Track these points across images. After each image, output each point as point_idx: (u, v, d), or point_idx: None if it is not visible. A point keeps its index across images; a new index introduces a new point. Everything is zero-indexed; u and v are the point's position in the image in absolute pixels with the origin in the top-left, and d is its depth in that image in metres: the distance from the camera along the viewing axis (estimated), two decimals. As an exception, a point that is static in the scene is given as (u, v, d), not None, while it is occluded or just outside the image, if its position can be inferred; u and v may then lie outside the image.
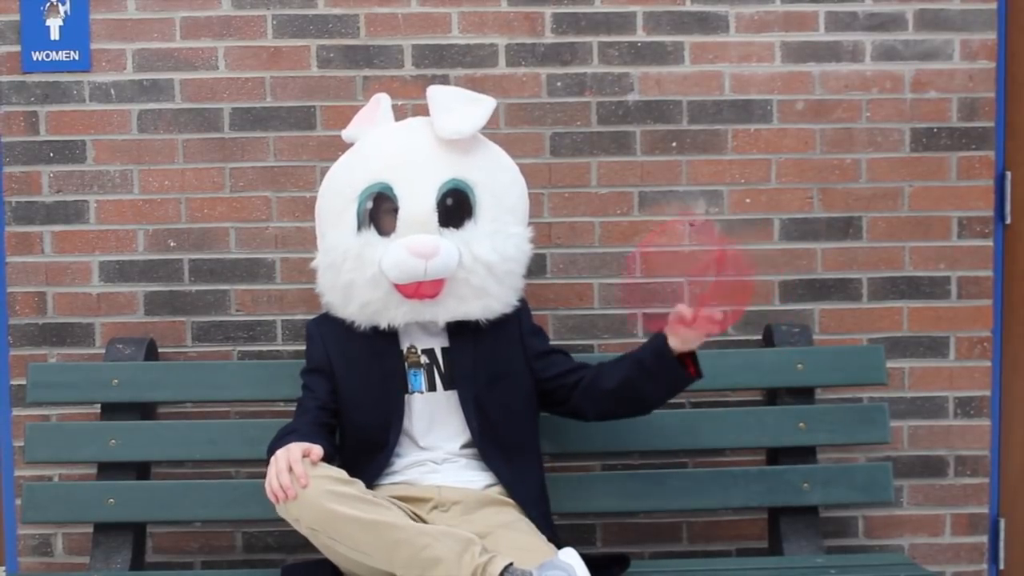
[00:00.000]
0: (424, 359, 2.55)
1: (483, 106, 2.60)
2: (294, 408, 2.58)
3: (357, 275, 2.50)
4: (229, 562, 3.14)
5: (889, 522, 3.20)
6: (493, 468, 2.50)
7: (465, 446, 2.53)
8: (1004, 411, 3.27)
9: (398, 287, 2.48)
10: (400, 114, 2.87)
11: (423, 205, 2.49)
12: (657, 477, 2.91)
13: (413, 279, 2.45)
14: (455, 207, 2.51)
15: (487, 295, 2.52)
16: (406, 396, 2.53)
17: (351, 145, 2.75)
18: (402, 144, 2.60)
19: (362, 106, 2.84)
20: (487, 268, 2.50)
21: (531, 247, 2.64)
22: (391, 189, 2.51)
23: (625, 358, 2.54)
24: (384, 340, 2.55)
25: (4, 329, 3.13)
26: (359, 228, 2.52)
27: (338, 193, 2.60)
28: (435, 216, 2.49)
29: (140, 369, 2.97)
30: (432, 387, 2.55)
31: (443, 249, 2.45)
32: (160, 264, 3.12)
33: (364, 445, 2.52)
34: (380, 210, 2.51)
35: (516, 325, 2.59)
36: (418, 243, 2.44)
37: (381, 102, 2.73)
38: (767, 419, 2.95)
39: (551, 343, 2.75)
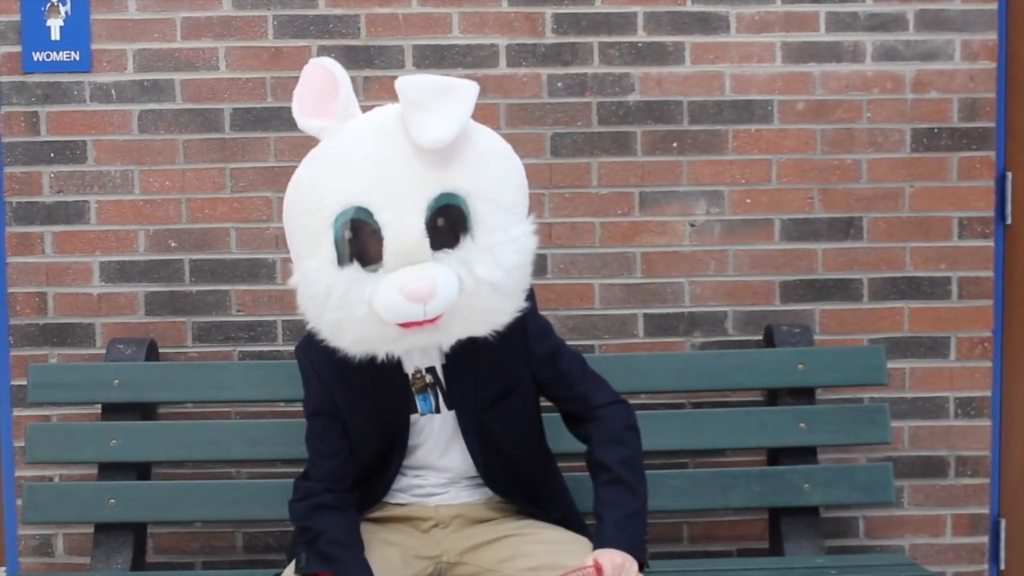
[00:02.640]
0: (428, 378, 2.32)
1: (462, 99, 2.14)
2: (294, 409, 2.53)
3: (344, 314, 2.14)
4: (230, 562, 3.14)
5: (890, 522, 3.20)
6: (500, 492, 2.39)
7: (470, 468, 2.38)
8: (1005, 411, 3.27)
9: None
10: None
11: (411, 232, 2.10)
12: (657, 477, 2.89)
13: (411, 320, 2.13)
14: (448, 226, 2.13)
15: (494, 311, 2.20)
16: (412, 417, 2.33)
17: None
18: (376, 157, 2.15)
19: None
20: (492, 287, 2.15)
21: (536, 239, 2.27)
22: (371, 215, 2.11)
23: (596, 488, 2.34)
24: (386, 365, 2.24)
25: (5, 329, 3.13)
26: (340, 261, 2.13)
27: (306, 212, 2.19)
28: (426, 242, 2.10)
29: (141, 369, 2.97)
30: (437, 408, 2.33)
31: (441, 285, 2.09)
32: (161, 264, 3.12)
33: (366, 469, 2.36)
34: (361, 234, 2.12)
35: (520, 327, 2.28)
36: (414, 287, 2.07)
37: (340, 83, 2.22)
38: (768, 419, 2.94)
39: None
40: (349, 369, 2.24)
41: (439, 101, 2.12)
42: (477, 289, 2.14)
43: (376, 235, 2.11)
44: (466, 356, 2.27)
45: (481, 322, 2.20)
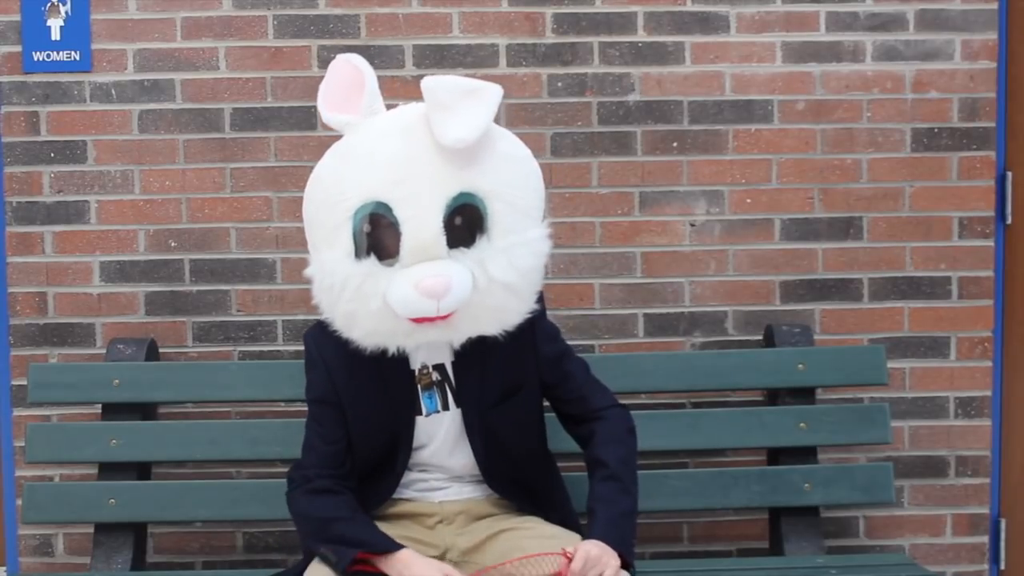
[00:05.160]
0: (436, 375, 2.35)
1: (486, 101, 2.19)
2: (294, 408, 2.52)
3: (359, 306, 2.20)
4: (230, 562, 3.14)
5: (890, 522, 3.20)
6: (499, 491, 2.40)
7: (475, 466, 2.40)
8: (1005, 411, 3.27)
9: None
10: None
11: (429, 229, 2.15)
12: (657, 477, 2.91)
13: (423, 316, 2.18)
14: (465, 225, 2.18)
15: (505, 311, 2.24)
16: (417, 418, 2.35)
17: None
18: (399, 153, 2.21)
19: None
20: (505, 287, 2.20)
21: (550, 243, 2.30)
22: (390, 210, 2.16)
23: (592, 483, 2.36)
24: (394, 361, 2.29)
25: (5, 329, 3.13)
26: (357, 254, 2.19)
27: (327, 204, 2.25)
28: (443, 239, 2.15)
29: (141, 369, 2.96)
30: (446, 405, 2.36)
31: (455, 283, 2.14)
32: (161, 264, 3.12)
33: (370, 467, 2.37)
34: (379, 227, 2.18)
35: (529, 329, 2.33)
36: (428, 283, 2.12)
37: (366, 80, 2.28)
38: (768, 419, 2.94)
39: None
40: (356, 361, 2.29)
41: (464, 102, 2.17)
42: (490, 289, 2.19)
43: (394, 230, 2.17)
44: (476, 354, 2.31)
45: (492, 321, 2.25)
